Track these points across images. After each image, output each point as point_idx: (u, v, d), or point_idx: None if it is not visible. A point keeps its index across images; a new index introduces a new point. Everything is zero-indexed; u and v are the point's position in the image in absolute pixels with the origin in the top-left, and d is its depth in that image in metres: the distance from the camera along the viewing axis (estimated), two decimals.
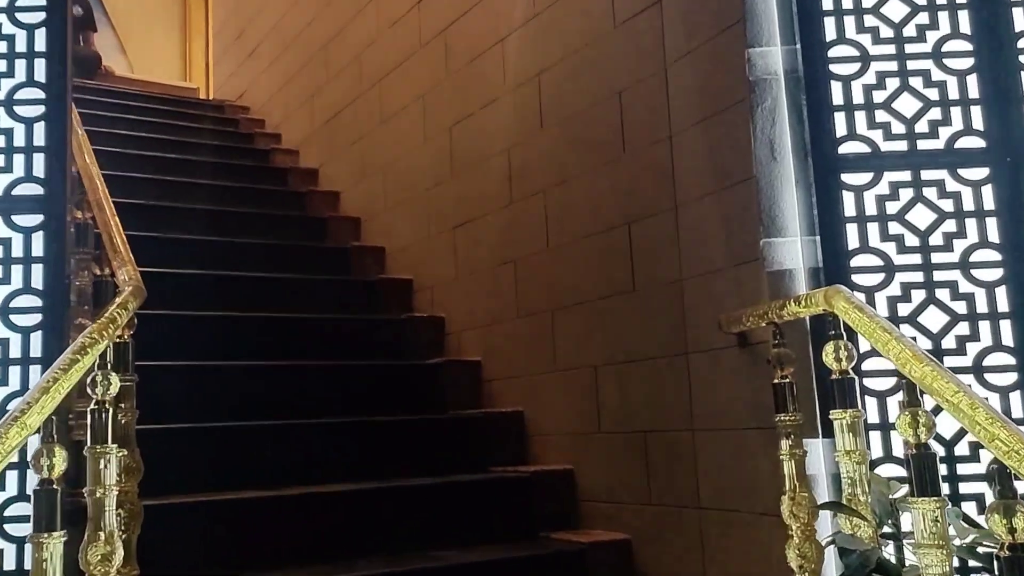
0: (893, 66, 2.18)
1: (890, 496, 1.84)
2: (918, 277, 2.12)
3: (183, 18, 9.15)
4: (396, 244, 4.15)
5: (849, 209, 2.14)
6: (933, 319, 2.11)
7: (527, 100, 3.22)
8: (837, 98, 2.18)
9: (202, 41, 8.76)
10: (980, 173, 2.16)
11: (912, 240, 2.12)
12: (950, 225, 2.14)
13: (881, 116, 2.17)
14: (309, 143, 5.26)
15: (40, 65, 2.20)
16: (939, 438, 2.01)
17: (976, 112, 2.18)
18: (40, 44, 2.22)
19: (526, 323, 3.18)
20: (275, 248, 4.05)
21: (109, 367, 1.57)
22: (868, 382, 2.07)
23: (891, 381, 2.05)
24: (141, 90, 6.56)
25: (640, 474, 2.64)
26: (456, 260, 3.64)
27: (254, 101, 6.34)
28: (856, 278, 2.11)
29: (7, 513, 1.88)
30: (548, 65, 3.11)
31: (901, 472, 2.04)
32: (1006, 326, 2.09)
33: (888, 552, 1.78)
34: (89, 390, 1.54)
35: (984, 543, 1.64)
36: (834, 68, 2.19)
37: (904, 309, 2.10)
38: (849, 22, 2.24)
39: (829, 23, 2.24)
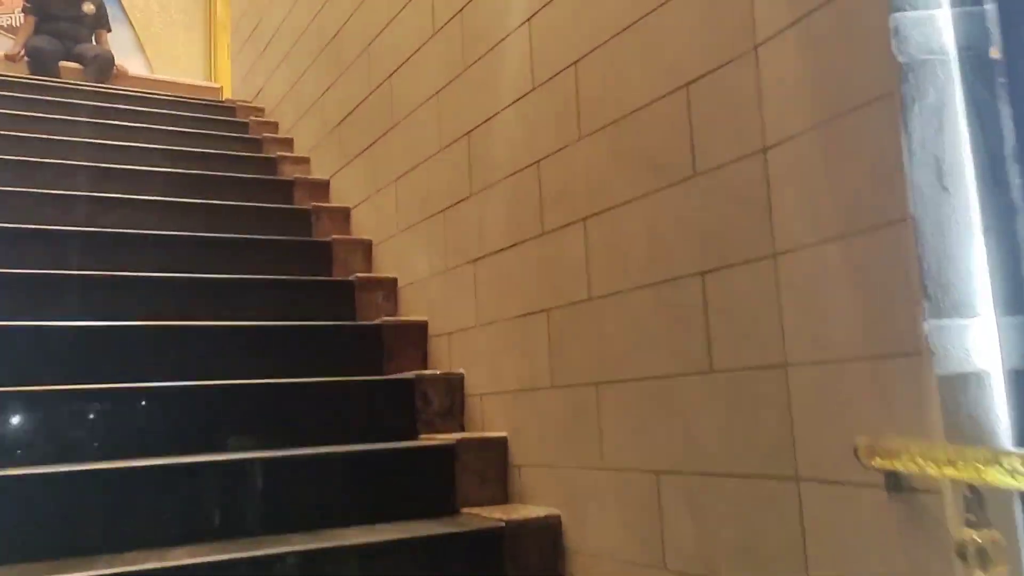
0: None
1: None
2: None
3: (207, 13, 8.50)
4: (410, 275, 3.37)
5: None
6: None
7: (561, 98, 2.40)
8: None
9: (228, 37, 8.09)
10: None
11: None
12: None
13: None
14: (320, 150, 4.51)
15: None
16: None
17: None
18: None
19: (564, 396, 2.37)
20: (263, 284, 3.31)
21: None
22: None
23: None
24: (143, 91, 5.87)
25: None
26: (477, 302, 2.84)
27: (268, 101, 5.62)
28: None
29: None
30: (587, 50, 2.29)
31: None
32: None
33: None
34: None
35: None
36: None
37: None
38: None
39: None
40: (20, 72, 6.30)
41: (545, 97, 2.48)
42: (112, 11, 7.67)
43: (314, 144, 4.59)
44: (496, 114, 2.74)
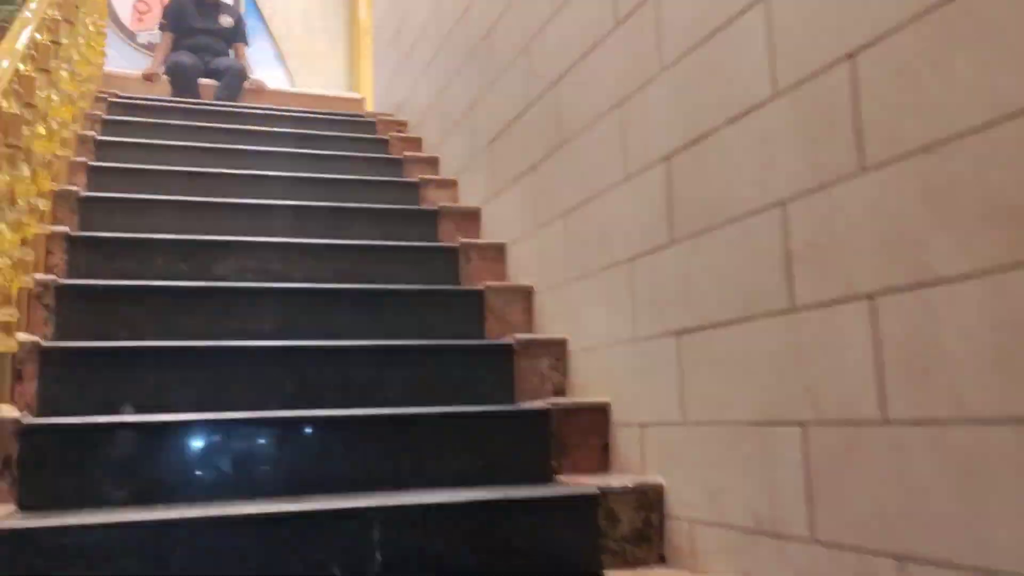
0: None
1: None
2: None
3: (350, 18, 8.03)
4: (584, 338, 2.63)
5: None
6: None
7: (822, 109, 1.61)
8: None
9: (371, 43, 7.60)
10: None
11: None
12: None
13: None
14: (469, 172, 3.84)
15: None
16: None
17: None
18: None
19: (836, 560, 1.57)
20: (404, 351, 2.64)
21: None
22: None
23: None
24: (273, 108, 5.37)
25: None
26: (683, 390, 2.07)
27: (411, 114, 5.01)
28: None
29: None
30: (873, 37, 1.49)
31: None
32: None
33: None
34: None
35: None
36: None
37: None
38: None
39: None
40: (159, 91, 5.94)
41: (794, 108, 1.69)
42: (253, 23, 7.31)
43: (462, 165, 3.93)
44: (710, 132, 1.97)
